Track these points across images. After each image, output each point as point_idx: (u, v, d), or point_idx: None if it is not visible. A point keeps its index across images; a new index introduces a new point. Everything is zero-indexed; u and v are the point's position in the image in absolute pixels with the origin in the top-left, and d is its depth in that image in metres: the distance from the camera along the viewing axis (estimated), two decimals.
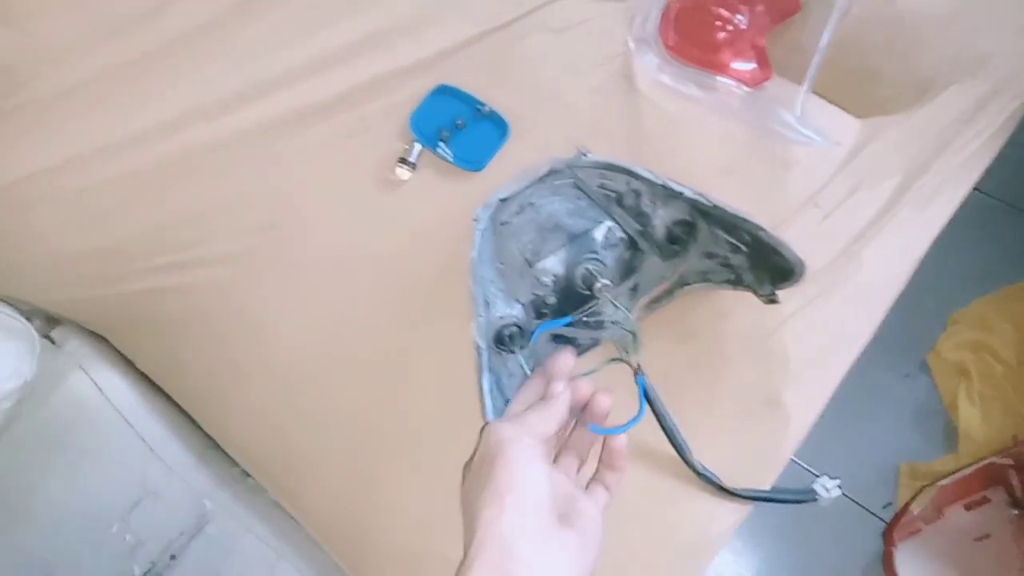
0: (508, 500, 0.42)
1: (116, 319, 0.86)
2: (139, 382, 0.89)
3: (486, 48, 0.85)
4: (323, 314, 0.79)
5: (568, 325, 0.74)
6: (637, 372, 0.64)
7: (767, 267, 0.68)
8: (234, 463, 0.85)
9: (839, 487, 0.73)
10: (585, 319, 0.74)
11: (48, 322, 0.92)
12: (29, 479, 0.84)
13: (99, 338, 0.89)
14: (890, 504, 1.27)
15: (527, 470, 0.45)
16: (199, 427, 0.86)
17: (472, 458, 0.52)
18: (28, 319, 0.87)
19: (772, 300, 0.69)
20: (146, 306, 0.82)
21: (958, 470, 1.17)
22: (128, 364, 0.89)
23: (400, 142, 0.82)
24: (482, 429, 0.53)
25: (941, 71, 0.83)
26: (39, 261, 0.82)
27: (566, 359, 0.61)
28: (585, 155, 0.72)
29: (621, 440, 0.56)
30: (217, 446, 0.85)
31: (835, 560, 1.26)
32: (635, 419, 0.58)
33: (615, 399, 0.72)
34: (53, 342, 0.90)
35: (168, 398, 0.87)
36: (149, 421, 0.87)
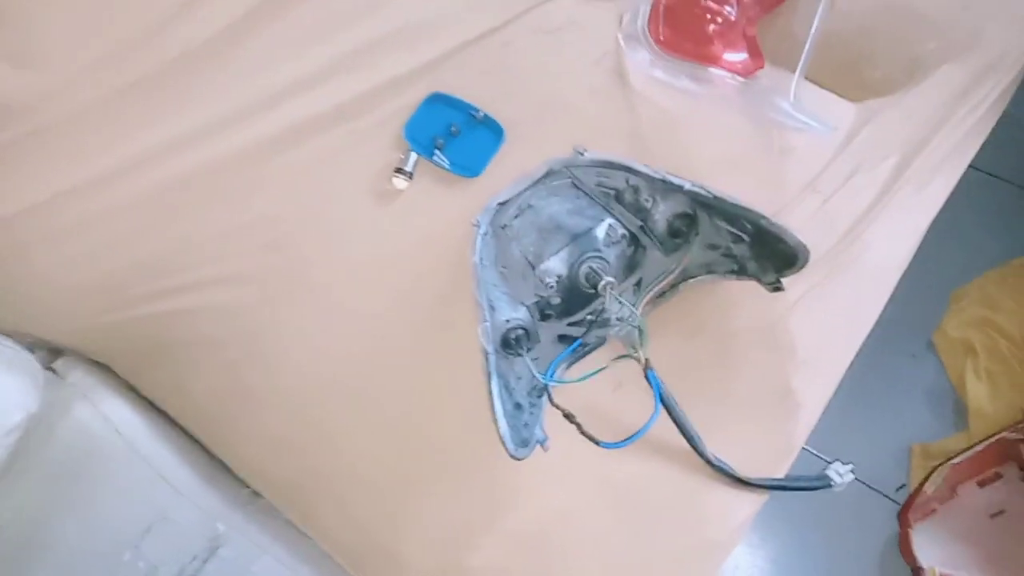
0: None
1: (120, 347, 0.85)
2: (144, 408, 0.88)
3: (477, 54, 0.85)
4: (331, 331, 0.79)
5: (572, 320, 0.74)
6: (647, 367, 0.64)
7: (770, 255, 0.68)
8: (244, 484, 0.84)
9: (852, 472, 0.72)
10: (590, 318, 0.74)
11: (50, 353, 0.91)
12: (39, 512, 0.83)
13: (102, 367, 0.88)
14: (904, 486, 1.27)
15: None
16: (207, 449, 0.85)
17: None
18: (30, 351, 0.87)
19: (777, 288, 0.68)
20: (150, 332, 0.81)
21: (969, 447, 1.16)
22: (132, 391, 0.88)
23: (396, 152, 0.81)
24: None
25: (933, 50, 0.83)
26: (40, 293, 0.81)
27: None
28: (582, 154, 0.72)
29: None
30: (226, 468, 0.85)
31: (851, 545, 1.25)
32: (648, 422, 0.58)
33: (623, 395, 0.72)
34: (56, 373, 0.89)
35: (174, 422, 0.87)
36: (156, 446, 0.86)
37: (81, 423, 0.85)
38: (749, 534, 1.29)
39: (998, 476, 1.16)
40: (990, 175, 1.44)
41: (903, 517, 1.17)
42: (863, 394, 1.28)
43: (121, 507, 0.84)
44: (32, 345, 0.88)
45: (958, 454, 1.15)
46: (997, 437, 1.15)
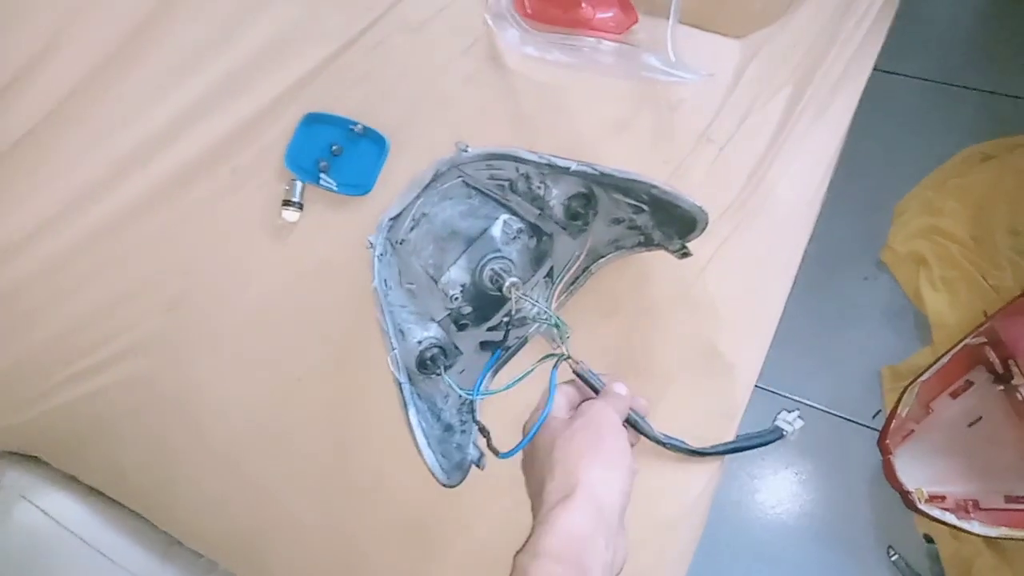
0: (607, 460, 0.50)
1: (44, 439, 0.83)
2: (87, 496, 0.85)
3: (345, 64, 0.81)
4: (245, 382, 0.76)
5: (491, 324, 0.71)
6: (556, 364, 0.61)
7: (672, 221, 0.65)
8: (199, 555, 0.81)
9: (800, 417, 0.70)
10: (507, 320, 0.70)
11: None
12: None
13: (36, 462, 0.86)
14: (880, 412, 1.25)
15: (623, 448, 0.53)
16: (157, 527, 0.82)
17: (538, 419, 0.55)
18: None
19: (685, 254, 0.65)
20: (69, 420, 0.79)
21: (936, 360, 1.15)
22: (73, 481, 0.85)
23: (280, 183, 0.78)
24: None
25: None
26: None
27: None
28: (465, 150, 0.68)
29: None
30: (179, 542, 0.82)
31: (838, 480, 1.24)
32: (541, 418, 0.55)
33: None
34: None
35: (120, 505, 0.84)
36: (105, 533, 0.83)
37: (24, 526, 0.83)
38: (734, 487, 1.27)
39: (969, 384, 1.14)
40: (905, 76, 1.40)
41: (882, 444, 1.15)
42: (822, 326, 1.26)
43: None
44: None
45: (926, 370, 1.13)
46: (962, 345, 1.13)
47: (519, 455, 0.56)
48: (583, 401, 0.58)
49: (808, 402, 1.19)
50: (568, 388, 0.60)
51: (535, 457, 0.53)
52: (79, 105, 0.78)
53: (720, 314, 0.70)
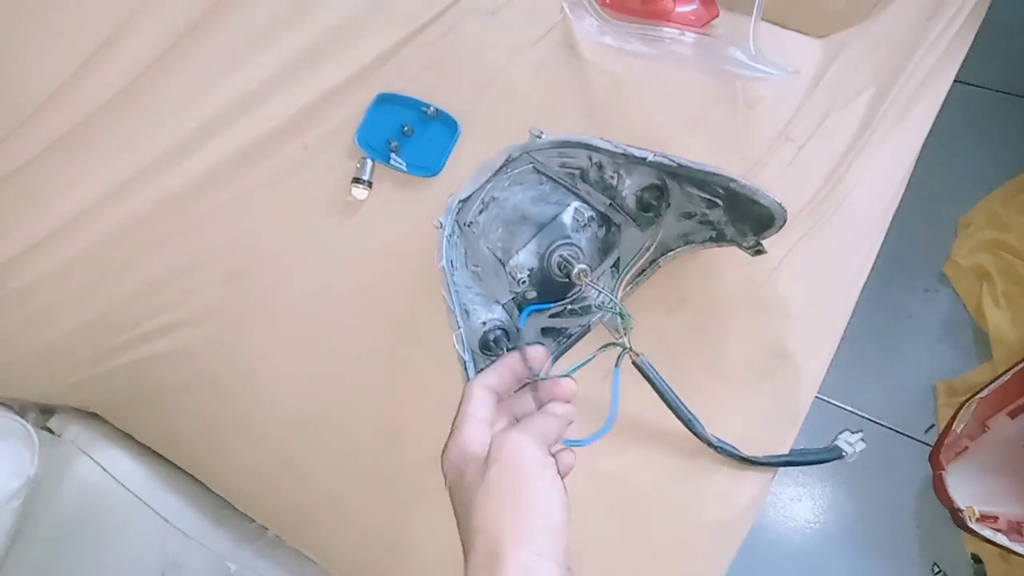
0: (535, 527, 0.43)
1: (107, 397, 0.85)
2: (143, 455, 0.87)
3: (420, 46, 0.81)
4: (307, 355, 0.77)
5: (553, 311, 0.71)
6: (631, 356, 0.61)
7: (747, 217, 0.64)
8: (251, 519, 0.83)
9: (863, 439, 0.69)
10: (571, 306, 0.71)
11: (43, 414, 0.91)
12: (51, 574, 0.83)
13: (97, 419, 0.88)
14: (932, 426, 1.23)
15: (551, 496, 0.45)
16: (210, 489, 0.84)
17: (456, 448, 0.51)
18: (22, 415, 0.86)
19: (759, 251, 0.65)
20: (132, 378, 0.80)
21: (996, 378, 1.12)
22: (129, 439, 0.87)
23: (351, 161, 0.78)
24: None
25: None
26: (17, 357, 0.80)
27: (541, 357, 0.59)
28: (539, 137, 0.69)
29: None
30: (231, 505, 0.84)
31: (886, 493, 1.22)
32: (605, 428, 0.56)
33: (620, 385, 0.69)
34: (52, 432, 0.89)
35: (174, 465, 0.86)
36: (160, 492, 0.86)
37: (83, 480, 0.85)
38: (779, 493, 1.26)
39: None
40: (985, 88, 1.36)
41: (935, 460, 1.13)
42: (879, 336, 1.24)
43: (132, 559, 0.84)
44: (23, 409, 0.88)
45: (984, 387, 1.11)
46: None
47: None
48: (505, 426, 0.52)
49: (858, 411, 1.18)
50: (484, 394, 0.54)
51: (457, 508, 0.48)
52: (153, 79, 0.79)
53: (791, 315, 0.69)
